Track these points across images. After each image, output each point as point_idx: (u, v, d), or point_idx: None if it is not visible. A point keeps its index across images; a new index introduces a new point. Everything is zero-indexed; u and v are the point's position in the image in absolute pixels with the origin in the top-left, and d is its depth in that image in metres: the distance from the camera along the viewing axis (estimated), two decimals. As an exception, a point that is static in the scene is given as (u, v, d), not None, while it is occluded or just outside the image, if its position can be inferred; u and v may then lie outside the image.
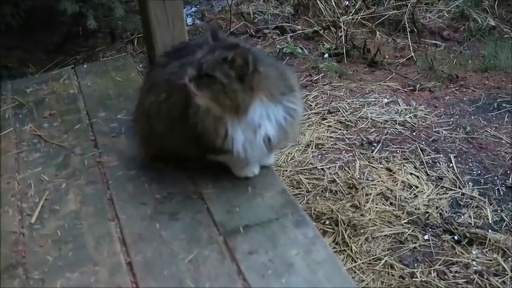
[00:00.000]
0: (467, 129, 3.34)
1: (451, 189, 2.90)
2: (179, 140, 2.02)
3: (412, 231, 2.67)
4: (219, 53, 1.80)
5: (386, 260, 2.53)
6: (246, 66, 1.77)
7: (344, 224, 2.69)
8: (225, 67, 1.78)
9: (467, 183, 2.93)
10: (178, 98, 1.95)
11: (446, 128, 3.38)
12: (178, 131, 1.99)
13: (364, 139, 3.30)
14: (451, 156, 3.12)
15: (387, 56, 4.39)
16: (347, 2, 4.97)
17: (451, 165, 3.06)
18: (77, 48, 4.60)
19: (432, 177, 2.98)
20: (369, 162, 3.11)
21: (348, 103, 3.68)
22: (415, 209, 2.78)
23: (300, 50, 4.45)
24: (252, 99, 1.80)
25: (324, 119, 3.53)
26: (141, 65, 4.09)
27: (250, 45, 2.11)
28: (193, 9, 5.24)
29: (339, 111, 3.60)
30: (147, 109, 2.09)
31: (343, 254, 2.58)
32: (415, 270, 2.48)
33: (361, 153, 3.18)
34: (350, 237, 2.64)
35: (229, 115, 1.83)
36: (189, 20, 4.94)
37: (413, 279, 2.44)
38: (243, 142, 1.86)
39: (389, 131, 3.36)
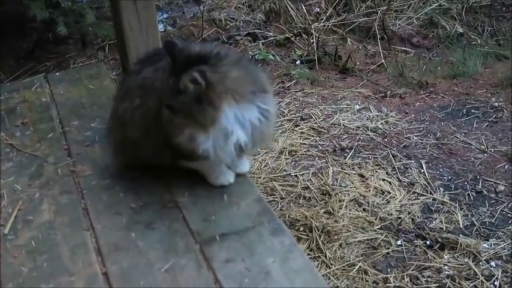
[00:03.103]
0: (437, 135, 3.40)
1: (423, 195, 2.94)
2: (153, 146, 2.01)
3: (385, 236, 2.70)
4: (172, 83, 1.81)
5: (360, 266, 2.56)
6: (198, 87, 1.76)
7: (318, 231, 2.71)
8: (181, 97, 1.79)
9: (438, 189, 2.98)
10: (153, 103, 1.94)
11: (417, 134, 3.43)
12: (152, 136, 1.98)
13: (337, 145, 3.33)
14: (422, 162, 3.17)
15: (358, 63, 4.44)
16: (318, 9, 5.01)
17: (422, 171, 3.10)
18: (47, 55, 4.55)
19: (404, 183, 3.02)
20: (341, 168, 3.14)
21: (320, 110, 3.71)
22: (388, 214, 2.82)
23: (272, 57, 4.47)
24: (217, 111, 1.79)
25: (297, 125, 3.55)
26: (113, 72, 4.06)
27: (213, 45, 2.09)
28: (165, 15, 5.23)
29: (312, 117, 3.62)
30: (121, 116, 2.07)
31: (318, 260, 2.59)
32: (388, 275, 2.51)
33: (334, 159, 3.21)
34: (324, 244, 2.66)
35: (201, 131, 1.84)
36: (161, 26, 4.92)
37: (387, 284, 2.47)
38: (214, 149, 1.86)
39: (361, 138, 3.40)
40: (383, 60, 4.40)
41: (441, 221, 2.77)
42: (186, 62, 1.82)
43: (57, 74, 3.04)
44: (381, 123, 3.53)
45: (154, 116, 1.94)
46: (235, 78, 1.83)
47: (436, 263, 2.55)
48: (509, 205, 2.85)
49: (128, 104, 2.04)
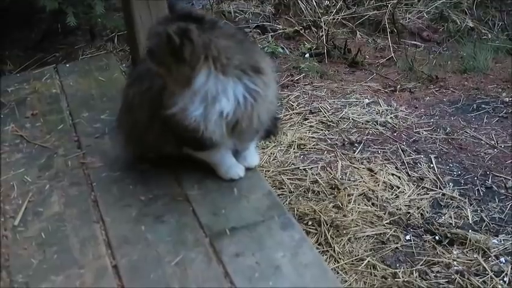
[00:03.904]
0: (447, 130, 3.38)
1: (432, 190, 2.93)
2: (159, 131, 1.98)
3: (394, 231, 2.69)
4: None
5: (368, 261, 2.55)
6: (171, 41, 1.73)
7: (327, 225, 2.70)
8: (160, 43, 1.78)
9: (448, 184, 2.96)
10: (160, 84, 1.92)
11: (427, 128, 3.41)
12: (157, 118, 1.94)
13: (346, 139, 3.32)
14: (432, 156, 3.15)
15: (368, 57, 4.42)
16: (327, 2, 4.99)
17: (432, 165, 3.09)
18: (55, 46, 4.54)
19: (413, 178, 3.01)
20: (350, 162, 3.12)
21: (329, 103, 3.69)
22: (397, 209, 2.81)
23: (281, 50, 4.46)
24: (193, 71, 1.76)
25: (306, 119, 3.54)
26: (123, 64, 4.05)
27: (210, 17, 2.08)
28: (174, 7, 5.21)
29: (321, 111, 3.61)
30: (130, 101, 2.06)
31: (326, 255, 2.59)
32: (397, 270, 2.50)
33: (342, 153, 3.20)
34: (333, 238, 2.66)
35: (179, 89, 1.81)
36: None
37: (396, 279, 2.46)
38: (204, 119, 1.82)
39: (370, 132, 3.39)
40: (393, 54, 4.38)
41: (450, 216, 2.76)
42: (183, 16, 1.81)
43: (67, 65, 3.04)
44: (390, 118, 3.51)
45: (159, 95, 1.91)
46: (222, 47, 1.79)
47: (445, 258, 2.54)
48: (519, 201, 2.84)
49: (137, 88, 2.03)
